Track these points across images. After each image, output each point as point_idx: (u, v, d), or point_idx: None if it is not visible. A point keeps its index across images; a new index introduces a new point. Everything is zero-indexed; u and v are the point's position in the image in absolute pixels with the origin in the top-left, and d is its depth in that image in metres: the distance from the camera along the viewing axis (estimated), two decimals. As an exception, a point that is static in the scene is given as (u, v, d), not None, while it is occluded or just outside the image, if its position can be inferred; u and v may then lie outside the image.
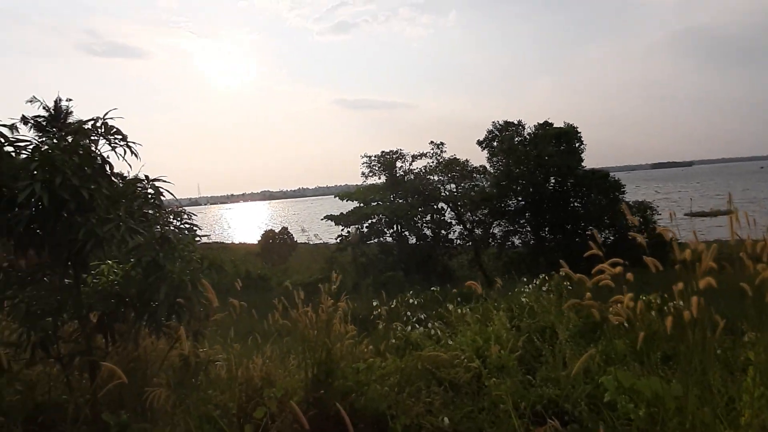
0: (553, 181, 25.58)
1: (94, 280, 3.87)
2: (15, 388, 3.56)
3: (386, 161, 26.57)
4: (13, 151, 3.26)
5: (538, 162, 25.03)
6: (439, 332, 5.19)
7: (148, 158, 3.92)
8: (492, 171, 27.47)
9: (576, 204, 25.09)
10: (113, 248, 3.55)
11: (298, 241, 28.42)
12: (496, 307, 5.36)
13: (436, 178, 27.54)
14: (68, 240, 3.24)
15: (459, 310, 5.56)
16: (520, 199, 26.01)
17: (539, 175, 25.25)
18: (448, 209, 27.09)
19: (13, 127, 3.50)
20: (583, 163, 25.41)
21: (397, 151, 26.40)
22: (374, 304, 6.46)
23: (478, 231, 26.95)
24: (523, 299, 5.40)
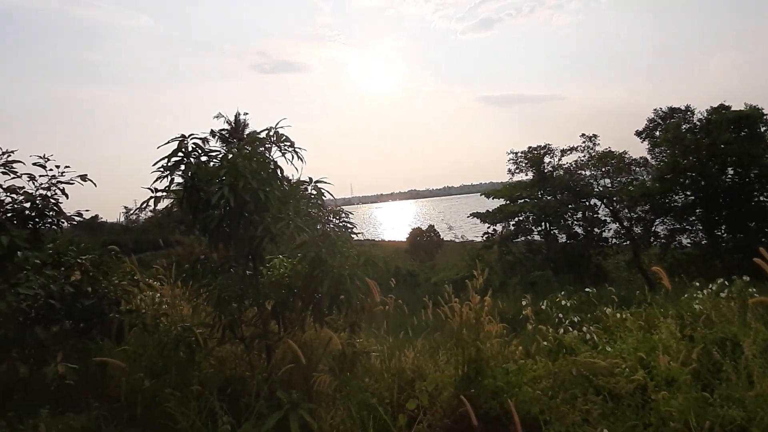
0: (731, 172, 22.21)
1: (268, 273, 4.36)
2: (210, 362, 4.17)
3: (533, 157, 25.48)
4: (207, 161, 3.81)
5: (711, 152, 21.91)
6: (595, 337, 4.85)
7: (308, 162, 4.29)
8: (654, 163, 24.77)
9: (762, 198, 21.49)
10: (283, 244, 3.94)
11: (445, 239, 28.63)
12: (663, 314, 4.85)
13: (588, 172, 25.67)
14: (249, 236, 3.70)
15: (618, 315, 5.14)
16: (688, 193, 23.05)
17: (713, 167, 22.09)
18: (602, 206, 25.08)
19: (204, 140, 4.09)
20: (770, 151, 21.65)
21: (545, 146, 25.17)
22: (523, 303, 6.24)
23: (637, 229, 24.53)
24: (696, 306, 4.78)
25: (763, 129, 21.96)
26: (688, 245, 23.13)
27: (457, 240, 28.52)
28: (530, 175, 25.85)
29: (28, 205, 3.10)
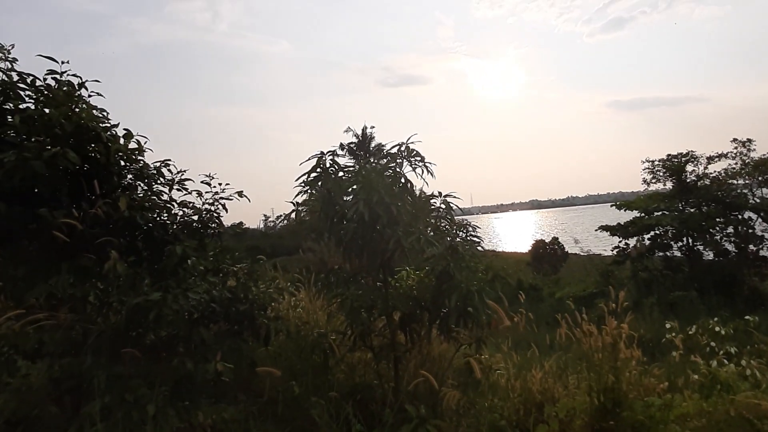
0: None
1: (397, 284, 4.47)
2: (341, 368, 4.38)
3: (673, 165, 23.11)
4: (342, 176, 4.03)
5: None
6: (757, 373, 4.28)
7: (435, 174, 4.33)
8: (827, 170, 21.16)
9: None
10: (413, 257, 4.02)
11: (569, 252, 27.11)
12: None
13: (741, 182, 22.66)
14: (381, 249, 3.84)
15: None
16: None
17: None
18: (759, 220, 21.97)
19: (334, 153, 4.32)
20: None
21: (687, 153, 22.71)
22: (667, 327, 5.69)
23: (803, 248, 21.12)
24: None
25: None
26: None
27: (582, 254, 26.88)
28: (669, 186, 23.50)
29: (195, 218, 3.54)
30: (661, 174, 23.59)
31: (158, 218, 3.32)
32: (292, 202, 4.00)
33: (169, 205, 3.44)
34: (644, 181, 23.54)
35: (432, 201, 4.32)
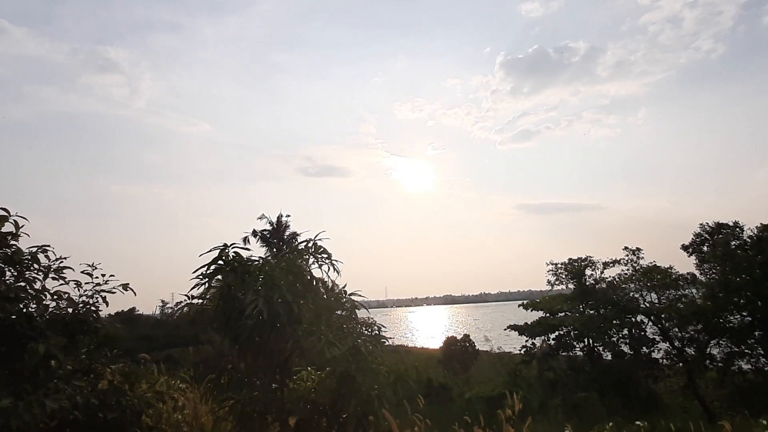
0: (792, 292, 20.96)
1: (294, 385, 4.24)
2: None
3: (574, 269, 24.91)
4: (245, 270, 3.89)
5: (765, 270, 20.91)
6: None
7: (344, 265, 4.31)
8: (704, 280, 23.74)
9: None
10: (314, 357, 3.86)
11: (480, 349, 27.46)
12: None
13: (632, 286, 24.78)
14: (279, 349, 3.67)
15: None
16: (744, 314, 21.71)
17: (768, 286, 20.96)
18: (650, 323, 23.80)
19: (246, 240, 4.22)
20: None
21: (586, 258, 24.62)
22: (565, 432, 5.77)
23: (689, 350, 22.92)
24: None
25: (819, 249, 21.00)
26: (749, 370, 21.31)
27: (493, 351, 27.34)
28: (571, 287, 25.13)
29: (70, 311, 3.20)
30: (564, 276, 25.22)
31: (24, 309, 2.96)
32: (186, 296, 3.78)
33: (41, 295, 3.10)
34: (548, 282, 24.97)
35: (337, 299, 4.27)
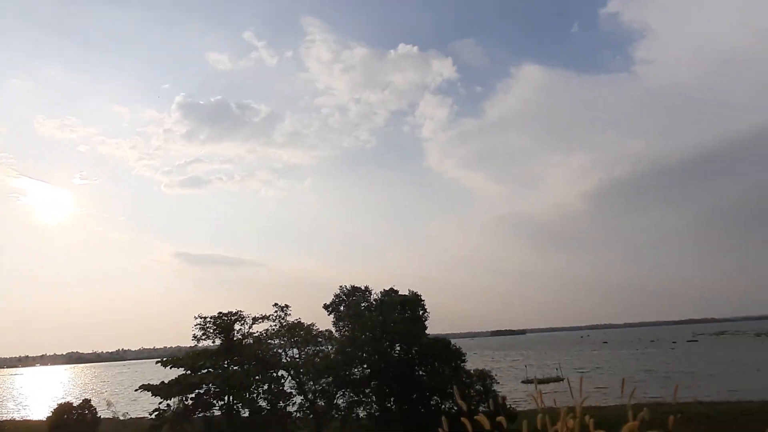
0: (398, 348, 25.17)
1: None
2: None
3: (223, 323, 24.07)
4: None
5: (383, 329, 24.67)
6: None
7: None
8: (338, 336, 26.40)
9: (421, 372, 24.61)
10: None
11: (102, 417, 23.02)
12: None
13: (277, 341, 25.57)
14: None
15: None
16: (365, 366, 24.86)
17: (384, 342, 24.73)
18: (289, 377, 24.71)
19: None
20: (427, 331, 25.67)
21: (236, 313, 24.20)
22: None
23: (320, 402, 24.63)
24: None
25: (421, 312, 26.08)
26: (364, 416, 24.12)
27: (120, 418, 23.42)
28: (218, 342, 24.09)
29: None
30: (212, 331, 24.03)
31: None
32: None
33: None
34: (194, 337, 23.28)
35: None
